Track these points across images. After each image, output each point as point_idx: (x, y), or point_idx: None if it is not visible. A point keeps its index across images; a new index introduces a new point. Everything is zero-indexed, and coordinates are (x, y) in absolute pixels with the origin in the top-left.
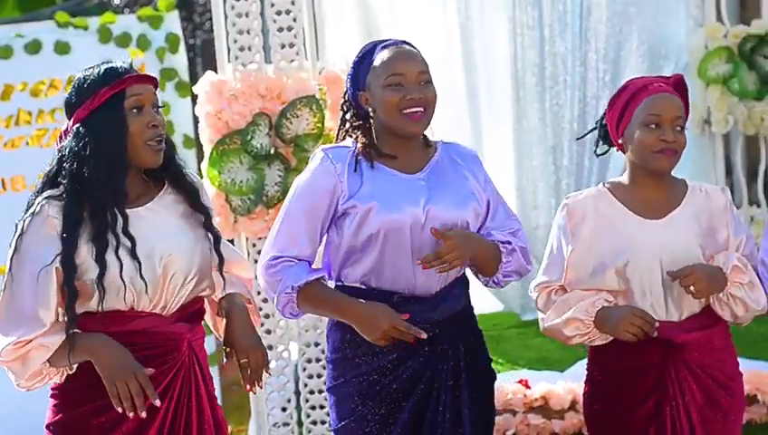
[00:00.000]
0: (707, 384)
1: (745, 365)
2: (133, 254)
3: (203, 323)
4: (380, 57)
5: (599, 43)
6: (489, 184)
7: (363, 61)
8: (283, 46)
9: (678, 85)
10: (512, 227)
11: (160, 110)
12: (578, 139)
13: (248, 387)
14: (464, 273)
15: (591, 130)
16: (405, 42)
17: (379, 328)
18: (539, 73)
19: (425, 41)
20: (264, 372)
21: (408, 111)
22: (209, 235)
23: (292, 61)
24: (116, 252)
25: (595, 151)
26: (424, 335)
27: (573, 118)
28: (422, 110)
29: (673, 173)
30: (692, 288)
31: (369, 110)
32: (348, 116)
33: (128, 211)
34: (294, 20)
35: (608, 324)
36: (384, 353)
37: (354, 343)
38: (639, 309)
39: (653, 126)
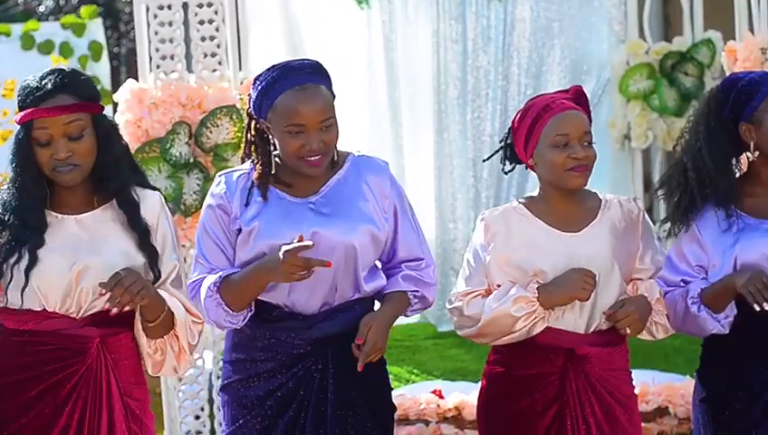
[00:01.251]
0: (606, 399)
1: (659, 378)
2: (34, 257)
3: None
4: (283, 100)
5: (521, 58)
6: (400, 200)
7: (267, 93)
8: (205, 56)
9: (579, 97)
10: (419, 257)
11: (83, 135)
12: (484, 160)
13: None
14: (363, 299)
15: (497, 151)
16: (312, 76)
17: (280, 262)
18: (461, 87)
19: (348, 52)
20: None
21: (308, 158)
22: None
23: (215, 70)
24: (30, 252)
25: (503, 169)
26: (330, 264)
27: (494, 131)
28: (320, 157)
29: (592, 188)
30: (628, 330)
31: (271, 137)
32: (249, 134)
33: (58, 217)
34: (217, 30)
35: (556, 292)
36: (262, 361)
37: (240, 347)
38: (582, 268)
39: (562, 146)
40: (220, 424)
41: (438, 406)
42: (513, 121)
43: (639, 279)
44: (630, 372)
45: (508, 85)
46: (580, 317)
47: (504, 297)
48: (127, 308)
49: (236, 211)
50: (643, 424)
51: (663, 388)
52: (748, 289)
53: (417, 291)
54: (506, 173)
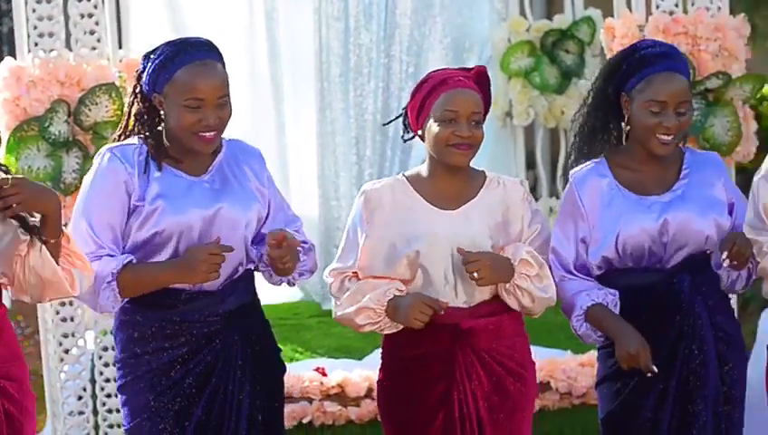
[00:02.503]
0: (495, 371)
1: (542, 354)
2: None
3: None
4: (183, 73)
5: (403, 36)
6: (271, 184)
7: (165, 66)
8: (84, 33)
9: (480, 78)
10: (296, 226)
11: None
12: (384, 124)
13: None
14: (249, 268)
15: (397, 118)
16: (210, 53)
17: (195, 261)
18: (343, 64)
19: (230, 29)
20: None
21: (202, 133)
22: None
23: (94, 48)
24: None
25: (402, 137)
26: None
27: (377, 109)
28: (215, 133)
29: (474, 165)
30: (476, 274)
31: (162, 113)
32: (135, 109)
33: None
34: (95, 7)
35: (398, 313)
36: (174, 348)
37: (143, 340)
38: (427, 296)
39: (449, 121)
40: (104, 404)
41: (322, 384)
42: (411, 91)
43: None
44: (526, 337)
45: (390, 63)
46: (461, 291)
47: (354, 305)
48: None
49: (138, 188)
50: None
51: (545, 363)
52: (628, 359)
53: (305, 242)
54: (405, 141)
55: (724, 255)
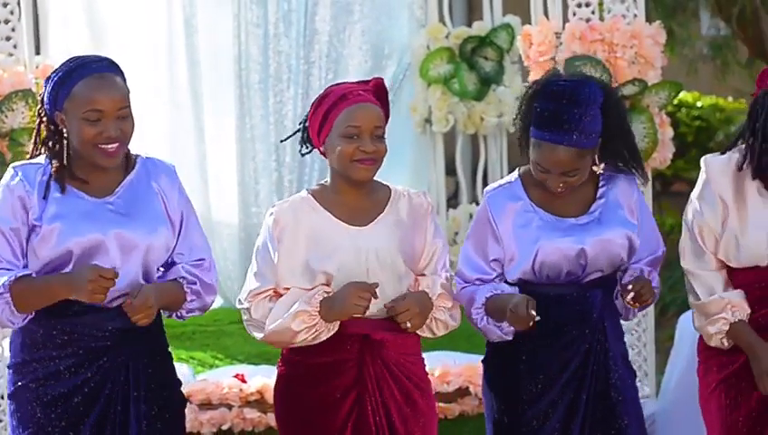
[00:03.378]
0: (405, 384)
1: (460, 359)
2: None
3: None
4: (81, 87)
5: (322, 42)
6: (186, 205)
7: (64, 82)
8: (0, 39)
9: (378, 90)
10: (201, 257)
11: None
12: (282, 141)
13: None
14: None
15: (295, 133)
16: (110, 66)
17: (84, 280)
18: (262, 71)
19: (149, 36)
20: None
21: (103, 146)
22: None
23: (10, 54)
24: None
25: (300, 151)
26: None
27: (296, 116)
28: (117, 145)
29: (394, 172)
30: (408, 324)
31: (64, 131)
32: (43, 126)
33: None
34: (12, 13)
35: (335, 308)
36: (62, 358)
37: (33, 347)
38: (361, 283)
39: (352, 137)
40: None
41: (241, 390)
42: (311, 106)
43: (424, 275)
44: (422, 357)
45: (310, 69)
46: (373, 304)
47: (287, 312)
48: None
49: (36, 207)
50: (444, 405)
51: (464, 369)
52: (512, 318)
53: (194, 283)
54: (303, 155)
55: (629, 296)
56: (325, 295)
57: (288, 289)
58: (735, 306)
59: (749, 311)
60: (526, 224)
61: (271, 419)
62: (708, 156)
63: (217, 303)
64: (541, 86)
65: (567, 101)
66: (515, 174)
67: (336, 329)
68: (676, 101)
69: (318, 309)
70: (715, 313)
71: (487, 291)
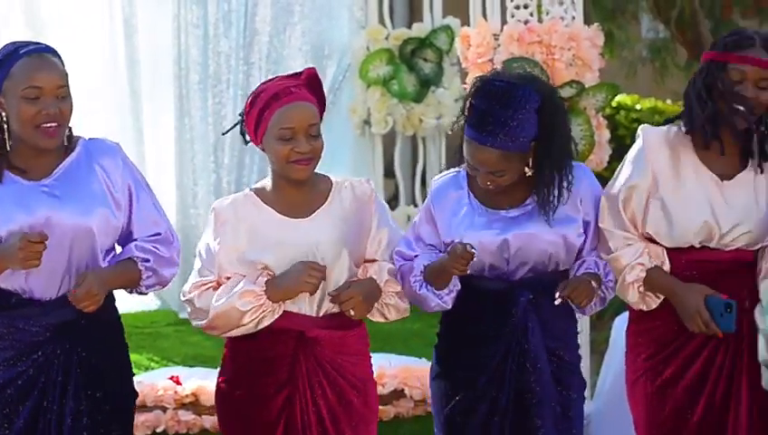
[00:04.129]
0: (339, 383)
1: (396, 361)
2: None
3: None
4: (20, 66)
5: (262, 43)
6: (133, 178)
7: (2, 64)
8: None
9: (311, 81)
10: (156, 232)
11: None
12: (223, 133)
13: None
14: None
15: (235, 126)
16: (48, 48)
17: (14, 249)
18: (202, 72)
19: (89, 36)
20: None
21: (43, 125)
22: None
23: None
24: None
25: (244, 139)
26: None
27: (236, 117)
28: (56, 125)
29: (333, 173)
30: (352, 312)
31: (4, 115)
32: None
33: None
34: None
35: (283, 285)
36: (0, 350)
37: None
38: (311, 261)
39: (287, 139)
40: None
41: (176, 392)
42: (246, 103)
43: (373, 260)
44: (369, 356)
45: (250, 70)
46: (310, 301)
47: (232, 291)
48: None
49: None
50: (379, 407)
51: (400, 371)
52: (450, 259)
53: (147, 260)
54: (247, 143)
55: (557, 302)
56: (268, 278)
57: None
58: (652, 253)
59: (668, 264)
60: (459, 214)
61: (206, 421)
62: (646, 125)
63: (154, 305)
64: (480, 83)
65: (498, 102)
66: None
67: (281, 312)
68: (614, 104)
69: (264, 289)
70: (629, 261)
71: (426, 259)
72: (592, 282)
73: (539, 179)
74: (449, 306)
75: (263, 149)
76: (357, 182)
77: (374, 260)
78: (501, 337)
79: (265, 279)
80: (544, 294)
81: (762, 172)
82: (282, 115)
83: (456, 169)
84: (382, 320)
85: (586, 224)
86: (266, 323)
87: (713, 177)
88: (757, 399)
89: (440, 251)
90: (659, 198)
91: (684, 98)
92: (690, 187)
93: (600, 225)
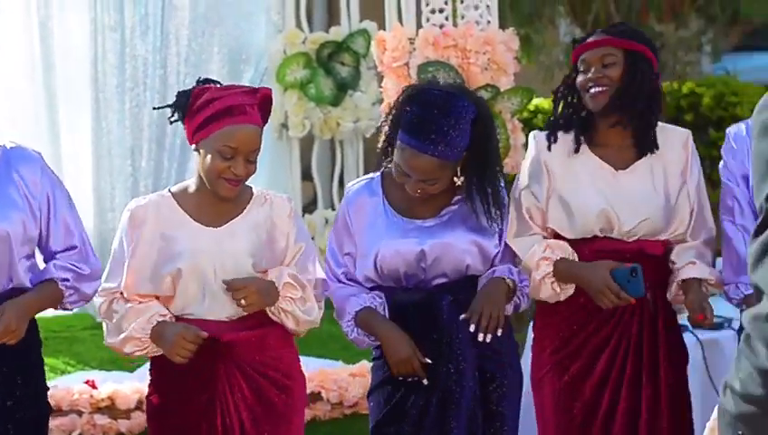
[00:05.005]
0: (259, 382)
1: (313, 364)
2: None
3: None
4: None
5: (180, 47)
6: (53, 188)
7: None
8: None
9: (264, 103)
10: (73, 246)
11: None
12: (154, 108)
13: None
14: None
15: (170, 106)
16: None
17: None
18: (119, 75)
19: (4, 38)
20: None
21: None
22: None
23: None
24: None
25: (169, 118)
26: None
27: (153, 120)
28: None
29: (251, 177)
30: (243, 302)
31: None
32: None
33: None
34: None
35: (162, 343)
36: None
37: None
38: (187, 331)
39: (227, 157)
40: None
41: (91, 396)
42: (193, 93)
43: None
44: (293, 349)
45: (167, 74)
46: (222, 306)
47: (120, 336)
48: None
49: None
50: None
51: (316, 374)
52: (395, 369)
53: (67, 279)
54: (172, 123)
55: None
56: (159, 319)
57: (137, 295)
58: (558, 247)
59: (574, 254)
60: (375, 222)
61: (122, 425)
62: (536, 130)
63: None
64: (416, 91)
65: (438, 111)
66: (378, 172)
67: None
68: (532, 108)
69: (149, 335)
70: (536, 259)
71: (357, 304)
72: (492, 298)
73: (470, 189)
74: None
75: (194, 149)
76: (277, 198)
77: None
78: (430, 344)
79: (152, 325)
80: (464, 295)
81: (655, 150)
82: (230, 133)
83: (370, 175)
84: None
85: (500, 232)
86: (155, 354)
87: (606, 167)
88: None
89: (354, 261)
90: (557, 194)
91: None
92: (584, 179)
93: (506, 239)
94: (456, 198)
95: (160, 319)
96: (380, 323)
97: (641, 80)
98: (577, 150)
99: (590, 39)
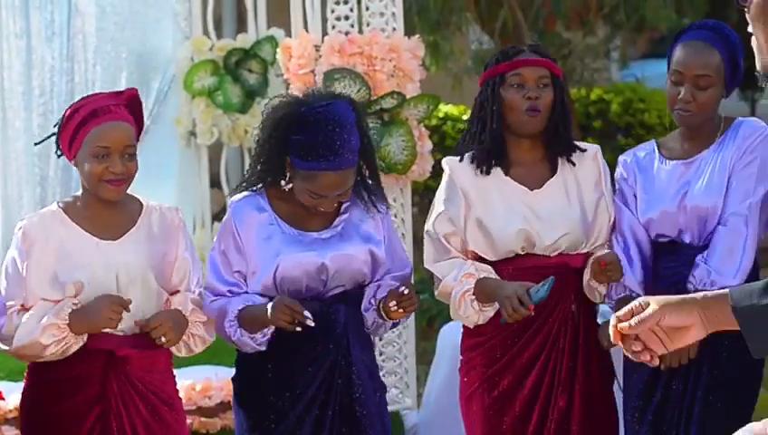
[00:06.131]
0: (151, 400)
1: (222, 373)
2: None
3: None
4: None
5: (88, 53)
6: None
7: None
8: None
9: (131, 103)
10: None
11: None
12: (36, 144)
13: None
14: None
15: (49, 137)
16: None
17: None
18: (26, 83)
19: None
20: None
21: None
22: None
23: None
24: None
25: (56, 153)
26: None
27: None
28: None
29: (159, 185)
30: (163, 339)
31: None
32: None
33: None
34: None
35: (86, 320)
36: None
37: None
38: (115, 296)
39: (101, 156)
40: None
41: None
42: (64, 116)
43: (176, 292)
44: (173, 375)
45: (74, 81)
46: (125, 319)
47: (36, 325)
48: None
49: None
50: (205, 419)
51: (226, 383)
52: (277, 318)
53: None
54: (59, 156)
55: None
56: (74, 307)
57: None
58: (480, 267)
59: (497, 277)
60: (269, 237)
61: None
62: (449, 157)
63: None
64: (294, 117)
65: (332, 125)
66: (260, 186)
67: (85, 340)
68: (441, 115)
69: (67, 322)
70: (456, 278)
71: (240, 302)
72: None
73: (358, 186)
74: (264, 348)
75: (75, 165)
76: (167, 209)
77: (178, 291)
78: (325, 355)
79: (69, 311)
80: (356, 305)
81: (574, 165)
82: (98, 133)
83: (251, 191)
84: (186, 354)
85: (386, 239)
86: (72, 351)
87: (520, 188)
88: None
89: (245, 278)
90: (475, 217)
91: (469, 123)
92: (500, 201)
93: (425, 265)
94: (345, 205)
95: (74, 307)
96: (259, 307)
97: (567, 106)
98: (489, 172)
99: (526, 56)
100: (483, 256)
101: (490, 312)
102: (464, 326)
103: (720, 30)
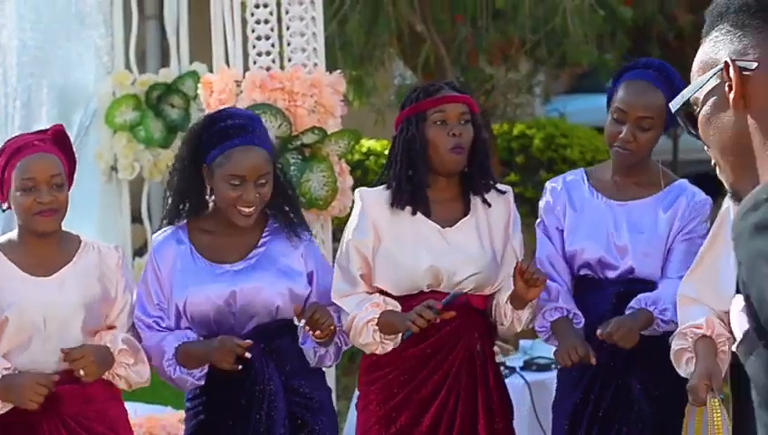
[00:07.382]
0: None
1: (142, 410)
2: None
3: None
4: None
5: (9, 87)
6: None
7: None
8: None
9: (57, 138)
10: None
11: None
12: None
13: None
14: None
15: None
16: None
17: None
18: None
19: None
20: None
21: None
22: None
23: None
24: None
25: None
26: None
27: None
28: None
29: (81, 220)
30: (81, 372)
31: None
32: None
33: None
34: None
35: (10, 393)
36: None
37: None
38: (38, 375)
39: (29, 189)
40: None
41: None
42: None
43: (112, 327)
44: (121, 405)
45: None
46: (52, 357)
47: None
48: None
49: None
50: None
51: (146, 419)
52: (221, 359)
53: None
54: (3, 211)
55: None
56: (4, 372)
57: None
58: (384, 298)
59: (400, 307)
60: (183, 269)
61: None
62: (363, 188)
63: None
64: (204, 125)
65: (243, 118)
66: (182, 222)
67: (11, 405)
68: (364, 150)
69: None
70: (360, 305)
71: (175, 341)
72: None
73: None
74: (203, 382)
75: (9, 206)
76: (105, 247)
77: (113, 327)
78: (242, 391)
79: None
80: (276, 340)
81: (489, 206)
82: (23, 166)
83: (176, 226)
84: (125, 387)
85: (310, 275)
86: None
87: (432, 225)
88: None
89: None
90: (386, 251)
91: (388, 160)
92: (411, 237)
93: (332, 299)
94: (263, 238)
95: (4, 372)
96: (198, 344)
97: (486, 143)
98: (403, 208)
99: (447, 93)
100: (386, 290)
101: (390, 345)
102: (361, 362)
103: (666, 71)
